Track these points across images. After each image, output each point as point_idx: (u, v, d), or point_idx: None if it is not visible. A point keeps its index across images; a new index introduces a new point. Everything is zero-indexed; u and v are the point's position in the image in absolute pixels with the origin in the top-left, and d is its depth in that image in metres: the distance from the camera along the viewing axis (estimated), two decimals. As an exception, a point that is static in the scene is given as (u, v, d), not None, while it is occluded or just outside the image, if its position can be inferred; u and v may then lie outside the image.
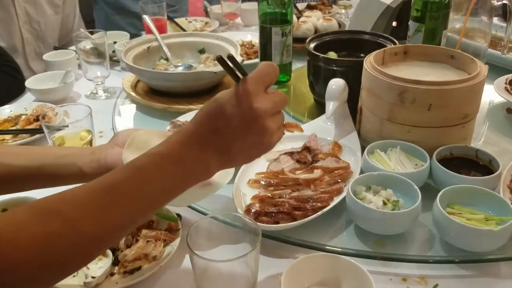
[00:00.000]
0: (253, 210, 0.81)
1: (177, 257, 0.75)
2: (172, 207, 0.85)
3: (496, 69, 1.33)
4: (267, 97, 0.60)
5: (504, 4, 1.21)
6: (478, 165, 0.88)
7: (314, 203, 0.82)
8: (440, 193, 0.77)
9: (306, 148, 0.98)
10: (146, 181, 0.54)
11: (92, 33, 1.39)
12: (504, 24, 1.26)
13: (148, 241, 0.76)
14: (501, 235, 0.71)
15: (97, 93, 1.39)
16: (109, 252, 0.75)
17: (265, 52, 1.28)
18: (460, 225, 0.72)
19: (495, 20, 1.62)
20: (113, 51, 1.56)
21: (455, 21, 1.38)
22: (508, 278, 0.72)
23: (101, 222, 0.50)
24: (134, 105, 1.30)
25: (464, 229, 0.72)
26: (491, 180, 0.82)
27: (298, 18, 1.72)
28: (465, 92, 0.86)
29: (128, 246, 0.76)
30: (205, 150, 0.58)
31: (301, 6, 2.03)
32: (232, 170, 0.80)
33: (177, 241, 0.76)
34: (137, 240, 0.77)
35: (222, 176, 0.77)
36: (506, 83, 1.23)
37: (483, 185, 0.80)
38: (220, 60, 0.59)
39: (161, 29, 1.59)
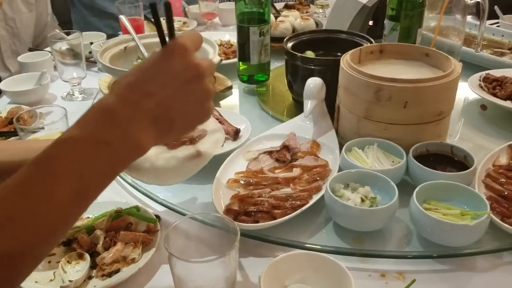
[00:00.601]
0: (232, 210, 0.80)
1: (156, 259, 0.74)
2: (150, 209, 0.84)
3: (471, 66, 1.36)
4: (200, 58, 0.54)
5: (478, 3, 1.23)
6: (454, 161, 0.90)
7: (293, 202, 0.82)
8: (417, 189, 0.78)
9: (285, 147, 0.98)
10: (55, 180, 0.45)
11: (68, 34, 1.37)
12: (478, 22, 1.29)
13: (126, 244, 0.75)
14: (476, 229, 0.73)
15: (74, 95, 1.37)
16: (86, 255, 0.74)
17: (243, 51, 1.27)
18: (436, 220, 0.73)
19: (469, 18, 1.65)
20: (90, 52, 1.54)
21: (430, 20, 1.40)
22: (484, 271, 0.74)
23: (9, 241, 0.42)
24: (111, 106, 1.28)
25: (440, 224, 0.73)
26: (466, 176, 0.84)
27: (276, 17, 1.72)
28: (439, 90, 0.87)
29: (106, 249, 0.75)
30: (135, 120, 0.49)
31: (279, 5, 2.04)
32: (221, 138, 0.76)
33: (156, 243, 0.76)
34: (115, 243, 0.76)
35: (211, 145, 0.75)
36: (480, 80, 1.25)
37: (458, 180, 0.81)
38: (152, 7, 0.54)
39: (138, 29, 1.57)
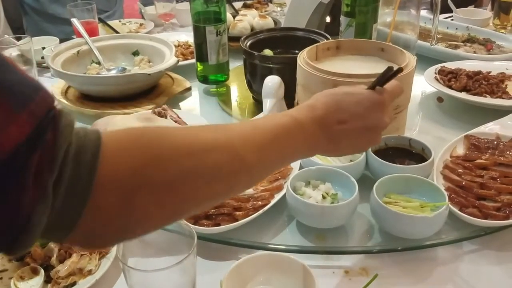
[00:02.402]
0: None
1: (114, 269, 0.71)
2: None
3: (427, 60, 1.38)
4: (390, 114, 0.65)
5: (431, -3, 1.26)
6: (412, 154, 0.91)
7: (255, 202, 0.81)
8: (376, 183, 0.78)
9: (246, 147, 0.97)
10: (283, 136, 0.55)
11: (19, 39, 1.32)
12: (432, 16, 1.31)
13: (82, 255, 0.72)
14: (435, 220, 0.73)
15: (26, 102, 1.32)
16: (40, 269, 0.71)
17: (200, 52, 1.25)
18: (396, 214, 0.73)
19: (424, 12, 1.68)
20: (42, 57, 1.48)
21: (385, 15, 1.41)
22: (445, 262, 0.75)
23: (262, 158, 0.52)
24: (66, 113, 1.24)
25: (400, 217, 0.73)
26: (424, 168, 0.84)
27: (234, 16, 1.71)
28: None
29: (61, 261, 0.72)
30: (323, 133, 0.59)
31: (237, 5, 2.02)
32: None
33: (113, 252, 0.73)
34: (70, 255, 0.73)
35: None
36: (435, 73, 1.27)
37: (417, 173, 0.82)
38: (389, 70, 0.63)
39: (92, 32, 1.53)
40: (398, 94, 0.67)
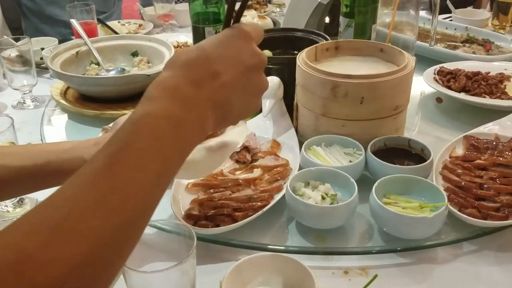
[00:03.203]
0: (192, 215, 0.78)
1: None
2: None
3: (425, 60, 1.38)
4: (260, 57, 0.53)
5: (429, -2, 1.26)
6: (411, 154, 0.91)
7: (254, 203, 0.81)
8: (376, 184, 0.78)
9: (245, 148, 0.97)
10: (139, 160, 0.41)
11: (17, 40, 1.31)
12: (431, 17, 1.31)
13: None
14: (435, 221, 0.73)
15: (25, 103, 1.32)
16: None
17: (199, 52, 1.25)
18: (395, 214, 0.73)
19: (423, 13, 1.69)
20: (41, 58, 1.48)
21: (384, 16, 1.41)
22: (444, 262, 0.74)
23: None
24: (65, 114, 1.24)
25: (399, 218, 0.73)
26: (424, 168, 0.84)
27: (233, 17, 1.71)
28: (394, 84, 0.88)
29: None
30: (199, 103, 0.46)
31: (236, 5, 2.02)
32: (245, 129, 0.75)
33: (112, 253, 0.73)
34: (69, 256, 0.72)
35: (236, 135, 0.73)
36: (434, 74, 1.27)
37: (416, 173, 0.82)
38: None
39: (91, 33, 1.53)
40: (261, 33, 0.55)
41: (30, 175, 0.65)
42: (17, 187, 0.67)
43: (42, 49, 1.50)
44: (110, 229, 0.38)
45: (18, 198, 0.88)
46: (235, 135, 0.73)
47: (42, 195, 0.73)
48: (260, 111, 0.99)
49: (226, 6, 0.54)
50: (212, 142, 0.70)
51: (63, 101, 1.23)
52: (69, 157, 0.67)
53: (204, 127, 0.47)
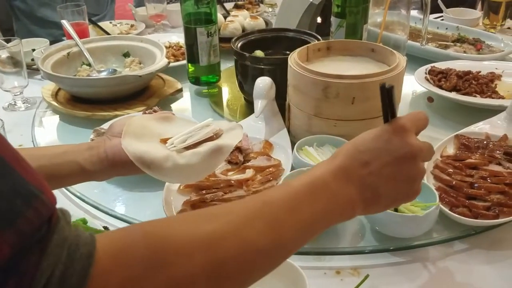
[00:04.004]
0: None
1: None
2: (98, 220, 0.81)
3: (417, 59, 1.39)
4: (420, 141, 0.56)
5: (421, -3, 1.26)
6: (403, 154, 0.91)
7: (246, 204, 0.81)
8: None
9: (237, 148, 0.97)
10: (298, 202, 0.50)
11: (8, 41, 1.30)
12: (422, 16, 1.31)
13: (73, 258, 0.71)
14: (426, 220, 0.74)
15: (16, 104, 1.31)
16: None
17: (191, 53, 1.25)
18: (387, 213, 0.73)
19: (414, 12, 1.69)
20: (32, 59, 1.47)
21: (376, 15, 1.42)
22: (436, 261, 0.75)
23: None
24: (56, 115, 1.23)
25: (391, 217, 0.73)
26: (415, 168, 0.85)
27: (225, 17, 1.71)
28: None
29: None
30: (350, 182, 0.53)
31: (229, 5, 2.02)
32: (240, 133, 0.75)
33: (104, 255, 0.72)
34: (61, 258, 0.72)
35: (231, 137, 0.73)
36: (426, 73, 1.28)
37: (407, 173, 0.82)
38: (382, 88, 0.56)
39: (83, 34, 1.52)
40: (422, 122, 0.58)
41: None
42: None
43: (33, 50, 1.49)
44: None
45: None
46: (230, 138, 0.73)
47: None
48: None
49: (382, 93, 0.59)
50: (208, 146, 0.70)
51: (54, 103, 1.22)
52: (62, 161, 0.67)
53: (354, 207, 0.54)
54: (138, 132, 0.70)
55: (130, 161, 0.66)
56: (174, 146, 0.69)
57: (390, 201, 0.56)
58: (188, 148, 0.70)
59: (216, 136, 0.73)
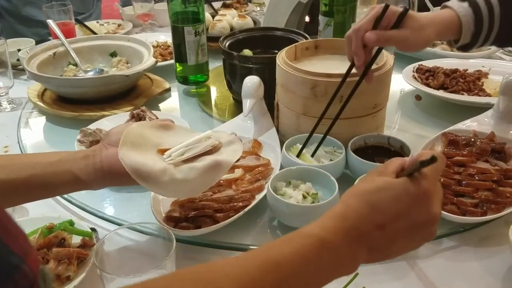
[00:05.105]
0: (173, 217, 0.78)
1: (93, 275, 0.70)
2: (86, 222, 0.80)
3: (405, 58, 1.39)
4: (439, 198, 0.53)
5: (408, -4, 1.27)
6: (391, 151, 0.91)
7: (235, 203, 0.81)
8: (356, 181, 0.78)
9: (226, 148, 0.96)
10: (305, 268, 0.46)
11: (-8, 41, 1.29)
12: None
13: (60, 261, 0.70)
14: (415, 218, 0.74)
15: (1, 105, 1.29)
16: (17, 276, 0.69)
17: (179, 52, 1.24)
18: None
19: (401, 11, 1.69)
20: (18, 59, 1.45)
21: (363, 14, 1.42)
22: (425, 258, 0.75)
23: None
24: (42, 116, 1.22)
25: (380, 216, 0.73)
26: (403, 166, 0.85)
27: (213, 16, 1.70)
28: (373, 83, 0.88)
29: (38, 268, 0.71)
30: (361, 245, 0.49)
31: (216, 5, 2.02)
32: (239, 148, 0.75)
33: (92, 258, 0.72)
34: (47, 261, 0.71)
35: (230, 154, 0.72)
36: (413, 71, 1.29)
37: (396, 171, 0.82)
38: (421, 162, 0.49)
39: (69, 34, 1.51)
40: (440, 167, 0.53)
41: (14, 188, 0.63)
42: (0, 201, 0.65)
43: (19, 50, 1.47)
44: None
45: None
46: (229, 154, 0.72)
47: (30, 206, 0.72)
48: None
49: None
50: (206, 161, 0.69)
51: (40, 103, 1.21)
52: (56, 170, 0.65)
53: (356, 263, 0.50)
54: (135, 142, 0.68)
55: (126, 172, 0.64)
56: (172, 159, 0.68)
57: (391, 257, 0.54)
58: (186, 161, 0.69)
59: (214, 149, 0.72)
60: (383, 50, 0.96)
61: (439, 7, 0.93)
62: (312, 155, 0.89)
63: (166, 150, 0.70)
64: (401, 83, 1.26)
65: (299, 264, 0.46)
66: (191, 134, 0.74)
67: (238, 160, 0.93)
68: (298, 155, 0.89)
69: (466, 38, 0.88)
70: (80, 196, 0.88)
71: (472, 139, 0.93)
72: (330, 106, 0.86)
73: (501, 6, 0.86)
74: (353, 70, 0.84)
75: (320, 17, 1.19)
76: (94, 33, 1.74)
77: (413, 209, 0.50)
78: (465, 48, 0.92)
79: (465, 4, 0.87)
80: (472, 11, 0.86)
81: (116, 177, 0.67)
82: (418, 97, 1.25)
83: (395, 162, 0.54)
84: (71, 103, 1.19)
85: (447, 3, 0.90)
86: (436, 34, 0.85)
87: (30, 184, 0.64)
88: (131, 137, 0.68)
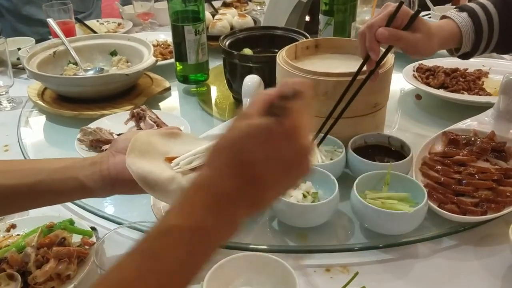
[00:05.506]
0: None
1: (93, 274, 0.70)
2: (86, 221, 0.80)
3: (405, 57, 1.38)
4: (307, 129, 0.47)
5: (408, -5, 1.27)
6: (391, 151, 0.91)
7: (235, 203, 0.81)
8: (356, 180, 0.78)
9: (226, 147, 0.96)
10: (161, 276, 0.42)
11: (-8, 40, 1.29)
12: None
13: (60, 260, 0.70)
14: (415, 216, 0.74)
15: (1, 104, 1.29)
16: (17, 275, 0.69)
17: (179, 51, 1.24)
18: (376, 210, 0.73)
19: (402, 11, 1.69)
20: (18, 59, 1.45)
21: (364, 13, 1.42)
22: (425, 258, 0.75)
23: None
24: (42, 115, 1.22)
25: (380, 214, 0.73)
26: (403, 165, 0.85)
27: (213, 16, 1.70)
28: (373, 82, 0.88)
29: (38, 267, 0.70)
30: (238, 209, 0.45)
31: (217, 3, 2.01)
32: None
33: (92, 257, 0.72)
34: (48, 260, 0.71)
35: None
36: (413, 71, 1.28)
37: (396, 170, 0.82)
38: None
39: (69, 32, 1.51)
40: (307, 100, 0.47)
41: (18, 194, 0.63)
42: (5, 206, 0.65)
43: (19, 49, 1.47)
44: None
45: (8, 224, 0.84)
46: None
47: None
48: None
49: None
50: None
51: (40, 102, 1.21)
52: (62, 177, 0.64)
53: (237, 229, 0.47)
54: (143, 149, 0.67)
55: (133, 180, 0.63)
56: (180, 167, 0.68)
57: (273, 200, 0.50)
58: (193, 169, 0.68)
59: None
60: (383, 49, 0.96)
61: (440, 6, 0.93)
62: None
63: (173, 158, 0.69)
64: (401, 82, 1.26)
65: (155, 273, 0.42)
66: (199, 142, 0.73)
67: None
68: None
69: (467, 47, 0.90)
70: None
71: (472, 139, 0.93)
72: (331, 106, 0.86)
73: (500, 15, 0.87)
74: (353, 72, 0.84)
75: (321, 16, 1.19)
76: (94, 32, 1.74)
77: (282, 149, 0.45)
78: (466, 56, 0.94)
79: (464, 15, 0.89)
80: (472, 21, 0.87)
81: (123, 184, 0.66)
82: (418, 96, 1.25)
83: (258, 101, 0.47)
84: (71, 102, 1.19)
85: (447, 14, 0.91)
86: (439, 44, 0.87)
87: (35, 190, 0.63)
88: (138, 145, 0.68)
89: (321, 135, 0.86)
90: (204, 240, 0.44)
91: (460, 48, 0.91)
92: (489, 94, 1.17)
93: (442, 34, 0.87)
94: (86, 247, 0.74)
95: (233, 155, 0.45)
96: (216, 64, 1.42)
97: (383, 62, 0.85)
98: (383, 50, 0.82)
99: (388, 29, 0.79)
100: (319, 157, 0.88)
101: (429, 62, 1.31)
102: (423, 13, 1.82)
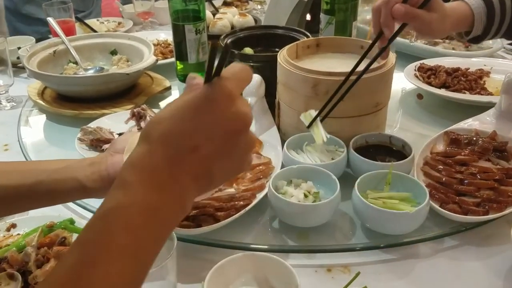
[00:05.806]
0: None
1: (93, 273, 0.70)
2: (86, 221, 0.80)
3: (406, 56, 1.39)
4: (244, 100, 0.47)
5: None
6: (393, 150, 0.91)
7: (236, 202, 0.80)
8: (358, 180, 0.78)
9: (227, 147, 0.96)
10: (110, 260, 0.39)
11: (-9, 39, 1.28)
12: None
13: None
14: (416, 216, 0.74)
15: (1, 103, 1.29)
16: (17, 275, 0.69)
17: (180, 50, 1.24)
18: (378, 210, 0.73)
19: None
20: (18, 58, 1.45)
21: (365, 13, 1.42)
22: (426, 257, 0.75)
23: None
24: (43, 114, 1.22)
25: (382, 214, 0.73)
26: (405, 165, 0.85)
27: (214, 15, 1.69)
28: (375, 81, 0.88)
29: (39, 266, 0.70)
30: (179, 180, 0.43)
31: (217, 3, 2.01)
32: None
33: (92, 256, 0.71)
34: (48, 259, 0.71)
35: None
36: (415, 70, 1.28)
37: (398, 170, 0.82)
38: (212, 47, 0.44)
39: (69, 32, 1.50)
40: (245, 78, 0.47)
41: (18, 195, 0.63)
42: (5, 207, 0.65)
43: (19, 48, 1.47)
44: None
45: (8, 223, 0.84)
46: None
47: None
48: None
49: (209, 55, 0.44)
50: None
51: (40, 101, 1.20)
52: (62, 177, 0.64)
53: (185, 206, 0.45)
54: None
55: None
56: None
57: (223, 179, 0.48)
58: None
59: None
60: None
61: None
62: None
63: None
64: (402, 81, 1.26)
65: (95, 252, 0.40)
66: None
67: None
68: (309, 126, 0.87)
69: (478, 30, 0.89)
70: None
71: (474, 138, 0.93)
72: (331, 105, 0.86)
73: None
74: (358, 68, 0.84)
75: (322, 15, 1.18)
76: (94, 31, 1.73)
77: (218, 113, 0.44)
78: (476, 40, 0.93)
79: None
80: (484, 4, 0.87)
81: None
82: (419, 96, 1.25)
83: (199, 78, 0.47)
84: (71, 101, 1.19)
85: None
86: (452, 26, 0.86)
87: (35, 191, 0.63)
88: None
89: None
90: (151, 217, 0.42)
91: (470, 31, 0.90)
92: (490, 94, 1.17)
93: (455, 16, 0.87)
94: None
95: (166, 127, 0.44)
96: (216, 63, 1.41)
97: (376, 61, 0.85)
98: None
99: (405, 5, 0.77)
100: (322, 134, 0.86)
101: (430, 62, 1.31)
102: None
